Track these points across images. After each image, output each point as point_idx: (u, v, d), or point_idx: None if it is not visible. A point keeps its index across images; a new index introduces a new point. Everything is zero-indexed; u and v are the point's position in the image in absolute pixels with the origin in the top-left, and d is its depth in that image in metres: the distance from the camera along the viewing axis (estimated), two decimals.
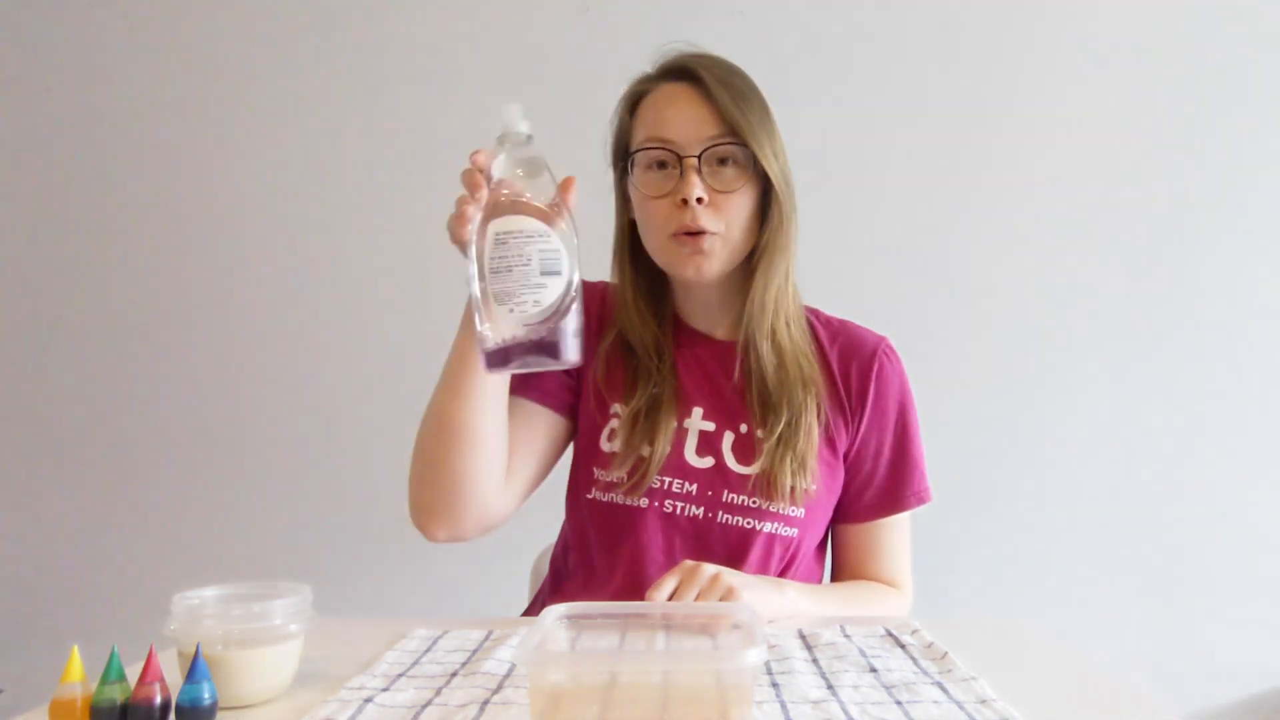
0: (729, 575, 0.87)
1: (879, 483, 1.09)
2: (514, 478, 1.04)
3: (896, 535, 1.11)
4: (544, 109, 1.78)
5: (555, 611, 0.73)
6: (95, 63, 1.84)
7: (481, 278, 0.77)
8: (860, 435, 1.09)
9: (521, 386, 1.08)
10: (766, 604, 0.91)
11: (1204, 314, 1.82)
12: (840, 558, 1.14)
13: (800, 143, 1.07)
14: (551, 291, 0.76)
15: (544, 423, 1.10)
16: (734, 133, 0.99)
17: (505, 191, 0.79)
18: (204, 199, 1.84)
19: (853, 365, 1.09)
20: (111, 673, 0.63)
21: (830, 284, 1.16)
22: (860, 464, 1.09)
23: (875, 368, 1.09)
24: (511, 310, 0.76)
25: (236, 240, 1.84)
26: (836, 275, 1.78)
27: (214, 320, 1.84)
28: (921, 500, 1.10)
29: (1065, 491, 1.82)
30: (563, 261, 0.77)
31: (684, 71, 1.03)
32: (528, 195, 0.78)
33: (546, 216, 0.77)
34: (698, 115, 1.00)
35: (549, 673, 0.63)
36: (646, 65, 1.08)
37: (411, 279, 1.83)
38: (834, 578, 1.15)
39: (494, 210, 0.78)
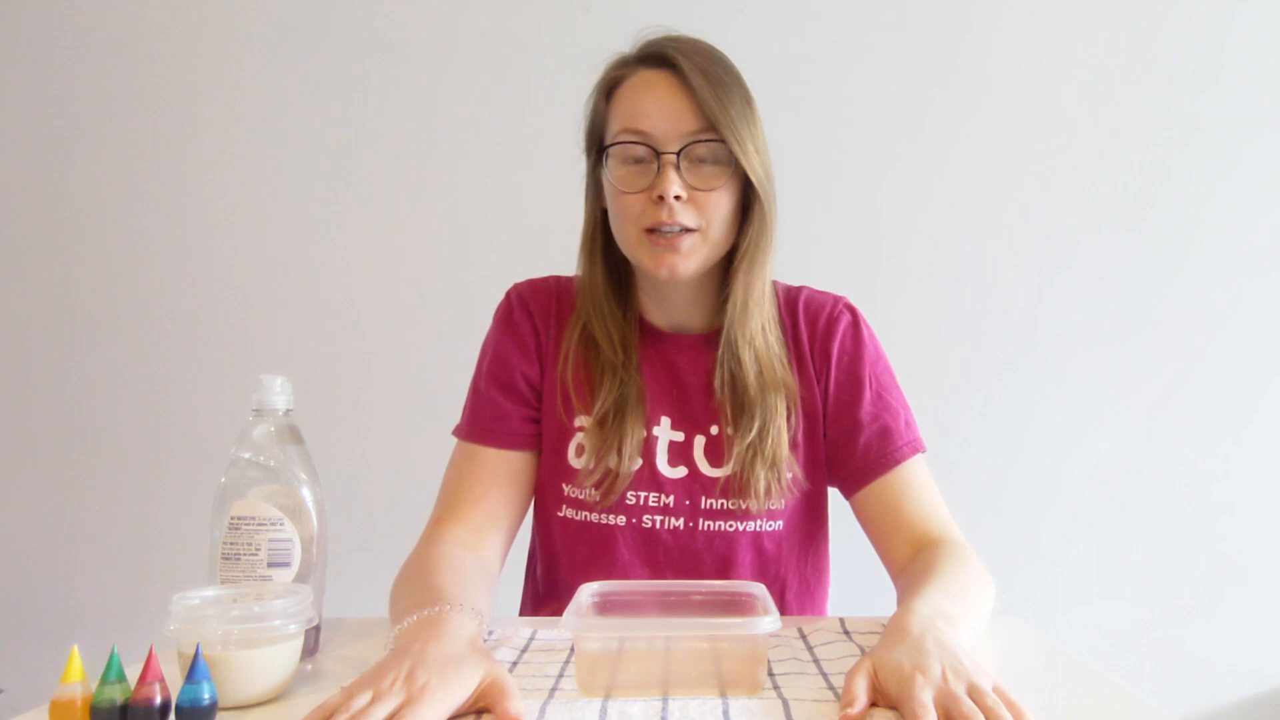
0: (976, 678, 0.66)
1: (867, 440, 1.02)
2: (496, 536, 1.00)
3: (914, 486, 1.01)
4: (544, 109, 1.81)
5: (590, 589, 0.81)
6: (91, 61, 1.84)
7: None
8: (830, 396, 1.05)
9: (488, 435, 1.04)
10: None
11: (1202, 311, 1.82)
12: (869, 526, 1.04)
13: (799, 142, 1.06)
14: None
15: (518, 466, 1.05)
16: (714, 128, 0.94)
17: None
18: (204, 199, 1.84)
19: (814, 331, 1.07)
20: (111, 673, 0.63)
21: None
22: (839, 425, 1.04)
23: (832, 328, 1.06)
24: None
25: (238, 241, 1.84)
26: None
27: (215, 321, 1.84)
28: (916, 449, 1.03)
29: (1063, 491, 1.82)
30: None
31: (661, 58, 0.97)
32: None
33: None
34: (676, 107, 0.95)
35: (592, 638, 0.71)
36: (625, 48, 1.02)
37: (412, 279, 1.84)
38: (875, 546, 1.04)
39: None
